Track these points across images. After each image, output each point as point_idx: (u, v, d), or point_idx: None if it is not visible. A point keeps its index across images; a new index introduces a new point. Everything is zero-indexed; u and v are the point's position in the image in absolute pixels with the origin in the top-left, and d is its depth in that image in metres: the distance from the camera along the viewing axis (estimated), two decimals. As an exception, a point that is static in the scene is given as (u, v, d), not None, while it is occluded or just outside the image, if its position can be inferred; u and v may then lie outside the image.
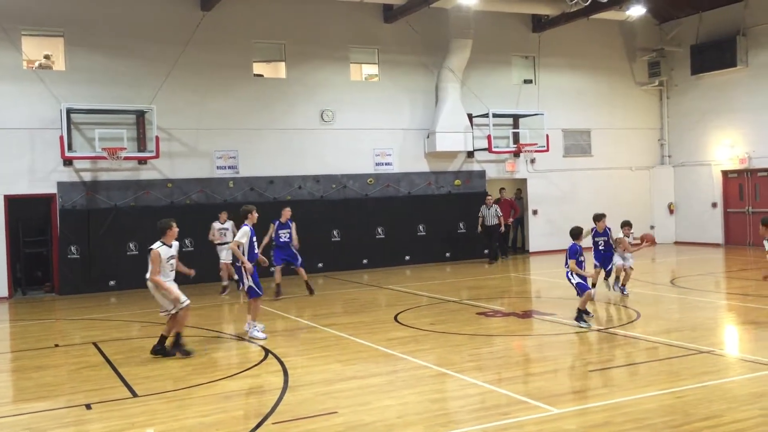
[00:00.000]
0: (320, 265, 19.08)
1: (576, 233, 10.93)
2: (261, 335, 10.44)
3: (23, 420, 7.13)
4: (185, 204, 17.96)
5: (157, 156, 17.17)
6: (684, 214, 23.72)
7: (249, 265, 10.61)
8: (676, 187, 23.99)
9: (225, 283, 15.54)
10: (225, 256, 15.07)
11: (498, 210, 19.98)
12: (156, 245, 9.44)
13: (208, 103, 18.37)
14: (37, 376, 8.94)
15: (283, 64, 19.63)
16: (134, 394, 7.82)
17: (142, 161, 17.53)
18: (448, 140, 20.53)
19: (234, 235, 13.77)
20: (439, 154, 20.92)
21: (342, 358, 9.20)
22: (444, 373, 8.28)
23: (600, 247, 13.13)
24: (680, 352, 8.79)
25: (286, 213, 14.83)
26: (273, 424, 6.55)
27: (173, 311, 9.48)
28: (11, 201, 16.45)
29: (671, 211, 23.96)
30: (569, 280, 10.98)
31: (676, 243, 23.59)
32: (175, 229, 9.63)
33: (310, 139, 19.55)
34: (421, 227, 20.53)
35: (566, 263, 10.82)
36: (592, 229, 13.15)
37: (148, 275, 9.38)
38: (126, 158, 16.82)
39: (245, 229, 10.73)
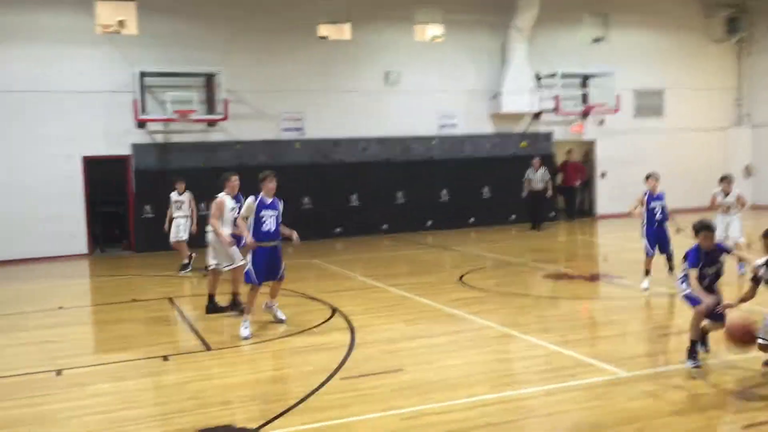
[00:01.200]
0: (385, 226, 19.24)
1: (704, 227, 6.72)
2: (245, 331, 8.47)
3: (106, 369, 7.53)
4: (253, 165, 18.25)
5: (225, 118, 17.49)
6: (764, 177, 22.78)
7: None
8: (754, 149, 23.04)
9: (185, 260, 13.78)
10: (179, 233, 13.75)
11: (546, 173, 19.04)
12: (220, 195, 9.65)
13: (274, 66, 18.53)
14: (117, 329, 9.38)
15: (348, 25, 19.59)
16: (208, 348, 8.14)
17: (211, 123, 17.90)
18: (514, 101, 20.21)
19: (191, 209, 13.81)
20: (504, 116, 20.63)
21: (407, 318, 9.32)
22: (509, 334, 8.31)
23: (656, 216, 10.61)
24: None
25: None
26: (341, 379, 6.72)
27: (226, 268, 9.66)
28: (89, 162, 17.07)
29: (748, 173, 23.05)
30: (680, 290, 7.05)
31: (754, 207, 22.76)
32: (235, 182, 9.69)
33: (374, 101, 19.53)
34: (485, 189, 20.37)
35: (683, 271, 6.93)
36: (646, 193, 10.74)
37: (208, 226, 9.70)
38: (196, 120, 17.20)
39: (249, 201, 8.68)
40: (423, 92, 19.94)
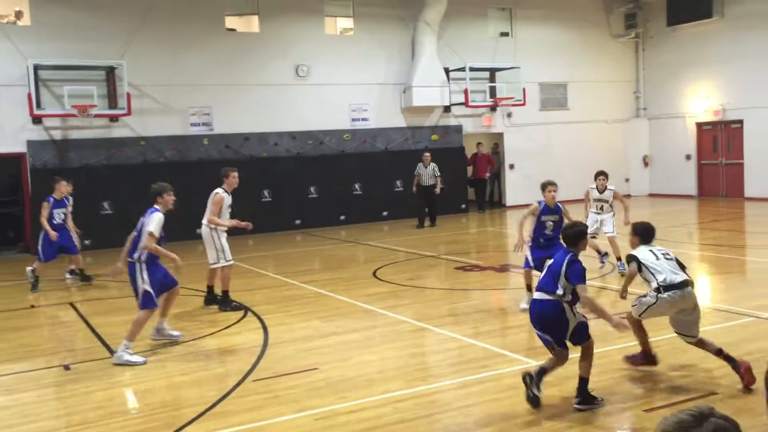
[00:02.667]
0: (298, 221, 19.05)
1: (575, 235, 5.84)
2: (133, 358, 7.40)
3: (2, 381, 7.09)
4: (159, 162, 17.71)
5: (128, 113, 16.85)
6: (658, 167, 23.92)
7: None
8: (651, 140, 24.13)
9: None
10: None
11: (436, 170, 18.16)
12: (219, 190, 9.63)
13: (180, 59, 17.99)
14: (13, 338, 8.87)
15: (256, 17, 19.23)
16: (113, 353, 7.80)
17: (113, 119, 17.21)
18: (424, 95, 20.39)
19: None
20: (415, 109, 20.79)
21: (321, 315, 9.24)
22: (423, 327, 8.37)
23: (545, 231, 8.77)
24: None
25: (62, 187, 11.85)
26: (254, 381, 6.58)
27: (217, 266, 9.55)
28: (-20, 160, 16.12)
29: (646, 164, 24.14)
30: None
31: (651, 195, 23.85)
32: (234, 178, 9.77)
33: (285, 94, 19.28)
34: (398, 183, 20.48)
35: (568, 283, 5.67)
36: (540, 203, 8.78)
37: (204, 219, 9.51)
38: (97, 115, 16.49)
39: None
40: (334, 86, 19.82)
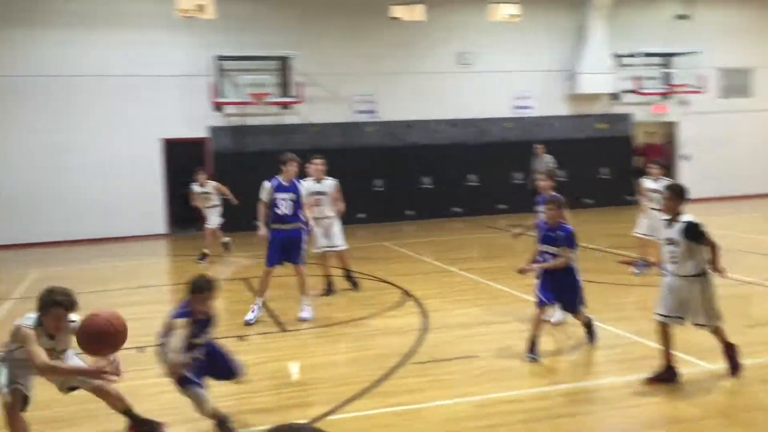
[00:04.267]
0: (457, 209, 19.11)
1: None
2: (251, 315, 8.53)
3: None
4: (327, 148, 18.39)
5: (299, 101, 17.66)
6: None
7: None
8: None
9: (206, 250, 13.37)
10: (214, 221, 13.55)
11: (552, 161, 17.25)
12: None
13: (347, 48, 18.56)
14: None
15: (421, 6, 19.39)
16: (283, 329, 8.27)
17: (285, 106, 18.11)
18: (591, 82, 19.67)
19: (216, 197, 13.23)
20: (581, 97, 20.10)
21: (480, 303, 9.23)
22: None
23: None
24: None
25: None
26: (413, 364, 6.72)
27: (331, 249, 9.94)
28: (168, 144, 17.56)
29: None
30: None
31: None
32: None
33: (448, 82, 19.34)
34: (561, 172, 19.90)
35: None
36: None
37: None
38: (271, 103, 17.44)
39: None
40: (497, 73, 19.61)
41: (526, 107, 20.00)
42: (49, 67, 16.60)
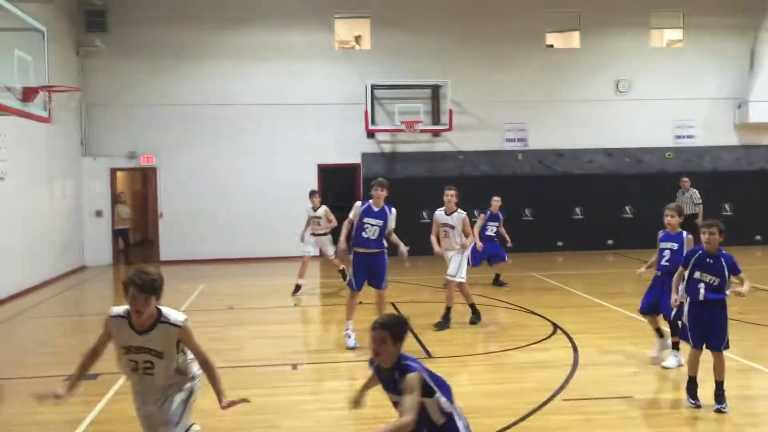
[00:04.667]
0: (610, 242, 18.38)
1: None
2: (350, 341, 8.59)
3: (336, 367, 7.93)
4: (474, 176, 18.41)
5: (449, 128, 17.79)
6: None
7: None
8: None
9: (300, 281, 12.85)
10: (330, 250, 12.91)
11: (696, 196, 16.41)
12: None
13: (498, 76, 18.52)
14: (339, 329, 9.81)
15: (577, 33, 19.04)
16: (429, 355, 8.27)
17: (435, 134, 18.31)
18: (764, 110, 18.34)
19: (327, 222, 12.61)
20: (752, 126, 18.80)
21: (634, 341, 8.77)
22: (753, 367, 7.50)
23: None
24: None
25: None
26: (563, 400, 6.49)
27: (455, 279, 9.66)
28: (323, 169, 18.25)
29: None
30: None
31: None
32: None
33: (603, 110, 18.77)
34: (727, 206, 18.68)
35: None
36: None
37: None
38: (422, 131, 17.70)
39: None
40: (656, 100, 18.80)
41: (688, 136, 18.96)
42: (215, 97, 17.84)
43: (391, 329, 4.09)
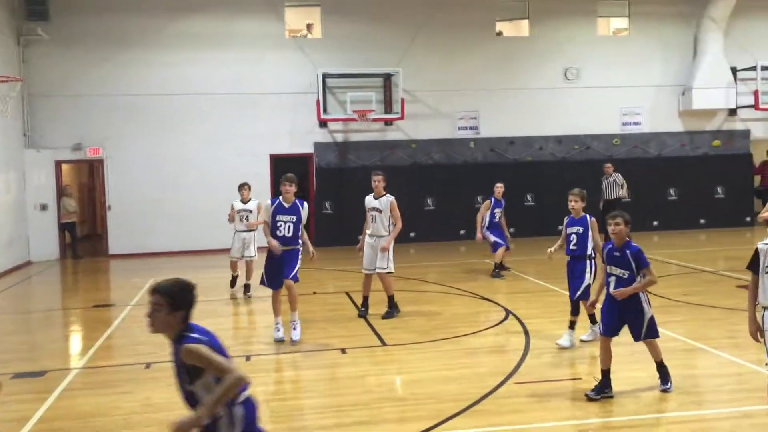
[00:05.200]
0: (560, 227, 18.64)
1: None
2: (278, 333, 8.49)
3: (287, 357, 7.90)
4: (427, 164, 18.49)
5: (402, 117, 17.81)
6: None
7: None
8: None
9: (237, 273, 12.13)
10: (252, 250, 11.82)
11: (620, 179, 16.63)
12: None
13: (450, 65, 18.60)
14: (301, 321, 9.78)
15: (526, 21, 19.22)
16: (383, 343, 8.31)
17: (388, 122, 18.31)
18: (706, 97, 18.84)
19: (256, 218, 11.61)
20: (695, 113, 19.28)
21: (584, 324, 8.93)
22: (698, 347, 7.73)
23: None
24: None
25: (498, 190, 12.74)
26: (515, 383, 6.59)
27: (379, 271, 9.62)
28: (275, 159, 18.10)
29: None
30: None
31: None
32: (378, 183, 9.64)
33: (552, 98, 19.02)
34: (672, 191, 19.16)
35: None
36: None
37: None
38: (374, 120, 17.68)
39: None
40: (604, 88, 19.14)
41: (634, 123, 19.37)
42: (163, 87, 17.50)
43: (169, 295, 3.53)
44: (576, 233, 7.80)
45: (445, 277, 12.85)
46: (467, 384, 6.62)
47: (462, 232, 17.80)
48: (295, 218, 8.40)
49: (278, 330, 8.46)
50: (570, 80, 19.11)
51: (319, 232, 18.11)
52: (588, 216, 7.80)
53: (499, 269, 12.71)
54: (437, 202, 18.23)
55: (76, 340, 9.60)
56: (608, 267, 6.18)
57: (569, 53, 19.08)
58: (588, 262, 7.75)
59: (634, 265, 6.04)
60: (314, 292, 11.85)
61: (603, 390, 6.09)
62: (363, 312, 9.72)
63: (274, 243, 8.28)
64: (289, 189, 8.45)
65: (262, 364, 7.66)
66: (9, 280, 14.57)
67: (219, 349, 3.51)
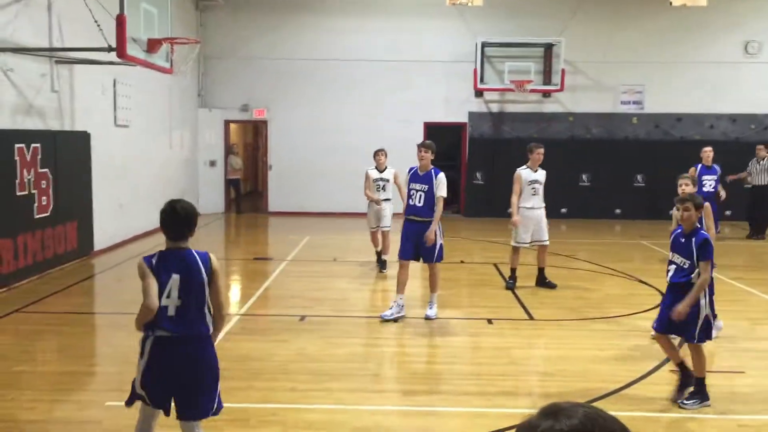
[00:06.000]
0: (728, 212, 17.40)
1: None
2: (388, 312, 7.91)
3: (437, 323, 8.01)
4: (585, 138, 17.87)
5: (561, 89, 17.27)
6: None
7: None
8: None
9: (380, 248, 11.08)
10: (387, 221, 10.84)
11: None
12: (519, 169, 9.90)
13: (616, 35, 17.74)
14: (446, 287, 9.87)
15: (704, -10, 17.89)
16: (530, 317, 8.22)
17: (546, 94, 17.82)
18: None
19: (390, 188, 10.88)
20: None
21: (751, 316, 8.39)
22: None
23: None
24: None
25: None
26: (670, 370, 6.30)
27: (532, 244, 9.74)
28: (428, 127, 18.19)
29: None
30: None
31: None
32: (538, 155, 9.75)
33: (728, 73, 17.68)
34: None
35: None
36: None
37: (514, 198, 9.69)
38: (532, 91, 17.27)
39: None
40: (789, 64, 17.50)
41: (822, 103, 17.61)
42: (327, 53, 17.99)
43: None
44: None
45: (596, 256, 12.44)
46: (618, 366, 6.43)
47: (618, 211, 17.13)
48: (426, 187, 7.79)
49: (392, 307, 7.87)
50: (751, 54, 17.65)
51: (468, 202, 18.11)
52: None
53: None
54: (593, 179, 17.60)
55: (236, 289, 10.26)
56: (671, 254, 5.61)
57: (751, 25, 17.59)
58: None
59: (695, 255, 5.42)
60: (462, 261, 11.90)
61: (698, 396, 5.51)
62: (511, 284, 9.65)
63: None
64: (424, 156, 7.92)
65: (409, 326, 7.81)
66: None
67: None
